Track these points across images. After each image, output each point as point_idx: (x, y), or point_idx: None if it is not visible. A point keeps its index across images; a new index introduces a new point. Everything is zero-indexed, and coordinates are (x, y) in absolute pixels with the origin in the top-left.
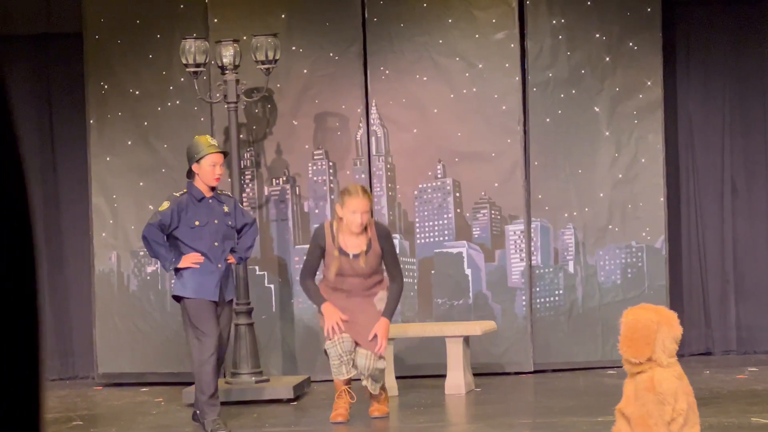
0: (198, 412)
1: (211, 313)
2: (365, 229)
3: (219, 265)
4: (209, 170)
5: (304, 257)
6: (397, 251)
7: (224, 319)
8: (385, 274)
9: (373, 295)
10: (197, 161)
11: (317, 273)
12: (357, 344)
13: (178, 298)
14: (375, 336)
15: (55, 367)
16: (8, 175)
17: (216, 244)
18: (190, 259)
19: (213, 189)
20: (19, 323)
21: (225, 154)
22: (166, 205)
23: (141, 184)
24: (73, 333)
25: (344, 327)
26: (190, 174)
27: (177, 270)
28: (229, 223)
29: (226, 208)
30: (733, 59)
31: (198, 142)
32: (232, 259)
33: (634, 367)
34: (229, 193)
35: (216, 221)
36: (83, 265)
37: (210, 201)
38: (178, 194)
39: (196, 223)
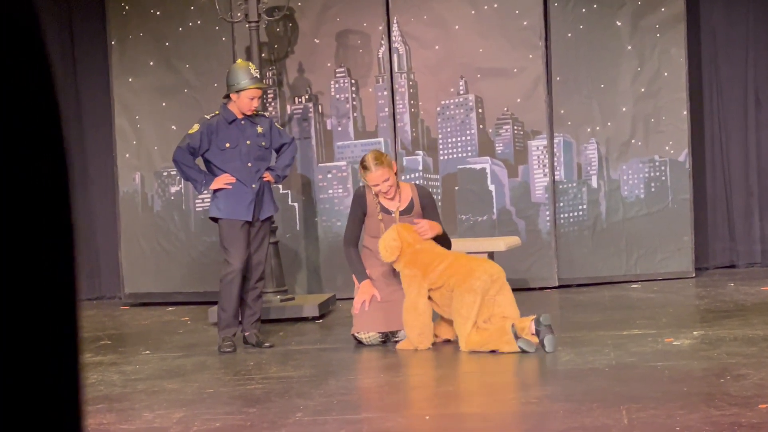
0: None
1: (242, 234)
2: (399, 192)
3: (253, 186)
4: (246, 102)
5: (347, 221)
6: (420, 167)
7: (260, 237)
8: None
9: None
10: (237, 91)
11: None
12: (388, 332)
13: (215, 219)
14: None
15: (81, 288)
16: (42, 101)
17: (249, 165)
18: (221, 181)
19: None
20: (56, 248)
21: (265, 88)
22: (196, 127)
23: (163, 104)
24: (99, 254)
25: (376, 307)
26: (227, 95)
27: (214, 192)
28: (263, 143)
29: (260, 129)
30: None
31: (240, 71)
32: (269, 177)
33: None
34: (265, 114)
35: (248, 142)
36: (107, 186)
37: (242, 122)
38: (209, 116)
39: (227, 145)
